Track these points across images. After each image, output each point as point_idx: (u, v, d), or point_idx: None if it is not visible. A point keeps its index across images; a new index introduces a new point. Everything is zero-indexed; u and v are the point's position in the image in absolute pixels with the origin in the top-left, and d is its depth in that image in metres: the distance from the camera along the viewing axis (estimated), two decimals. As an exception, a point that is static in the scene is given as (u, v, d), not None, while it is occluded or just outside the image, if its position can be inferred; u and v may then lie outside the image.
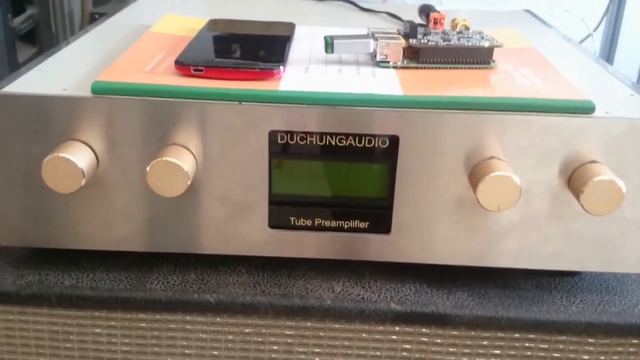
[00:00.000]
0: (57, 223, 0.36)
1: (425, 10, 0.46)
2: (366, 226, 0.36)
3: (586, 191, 0.32)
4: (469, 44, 0.38)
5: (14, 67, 0.90)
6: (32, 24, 0.97)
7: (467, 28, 0.42)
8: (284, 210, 0.35)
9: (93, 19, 1.04)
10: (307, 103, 0.34)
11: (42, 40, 1.00)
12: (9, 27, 0.87)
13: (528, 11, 0.58)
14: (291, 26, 0.45)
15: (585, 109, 0.33)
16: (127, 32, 0.46)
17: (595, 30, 0.68)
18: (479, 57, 0.38)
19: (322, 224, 0.36)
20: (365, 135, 0.34)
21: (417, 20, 0.51)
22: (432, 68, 0.39)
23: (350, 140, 0.34)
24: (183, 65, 0.35)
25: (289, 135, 0.34)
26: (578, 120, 0.33)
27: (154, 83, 0.34)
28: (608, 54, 1.02)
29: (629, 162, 0.34)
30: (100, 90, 0.33)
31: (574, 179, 0.33)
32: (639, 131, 0.33)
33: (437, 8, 0.52)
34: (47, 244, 0.36)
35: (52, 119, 0.33)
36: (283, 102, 0.34)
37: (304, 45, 0.43)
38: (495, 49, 0.39)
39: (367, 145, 0.34)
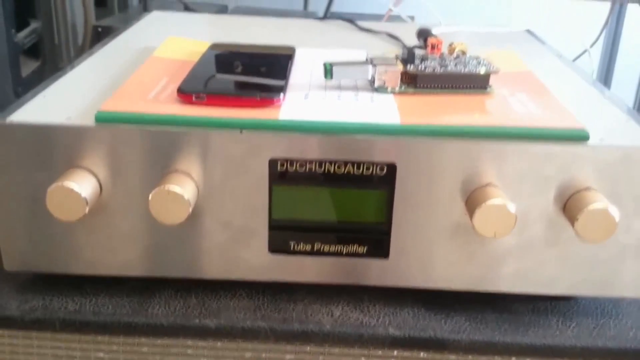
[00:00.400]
0: (60, 249, 0.36)
1: (423, 34, 0.46)
2: (365, 251, 0.36)
3: (580, 219, 0.32)
4: (466, 70, 0.39)
5: (18, 82, 0.90)
6: (36, 38, 0.98)
7: (464, 53, 0.42)
8: (283, 235, 0.36)
9: (96, 32, 1.05)
10: (307, 131, 0.34)
11: (45, 53, 1.01)
12: (13, 42, 0.88)
13: (528, 31, 0.59)
14: (291, 50, 0.46)
15: (579, 136, 0.34)
16: (130, 55, 0.47)
17: (592, 45, 0.69)
18: (475, 83, 0.39)
19: (322, 249, 0.36)
20: (364, 162, 0.34)
21: (415, 41, 0.51)
22: (429, 93, 0.39)
23: (349, 168, 0.35)
24: (185, 93, 0.36)
25: (288, 162, 0.35)
26: (572, 148, 0.33)
27: (157, 112, 0.35)
28: (608, 66, 1.03)
29: (623, 189, 0.34)
30: (104, 119, 0.34)
31: (569, 206, 0.34)
32: (633, 159, 0.34)
33: (436, 28, 0.53)
34: (50, 269, 0.37)
35: (57, 147, 0.34)
36: (283, 131, 0.34)
37: (304, 69, 0.44)
38: (494, 65, 0.40)
39: (365, 172, 0.35)
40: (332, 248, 0.36)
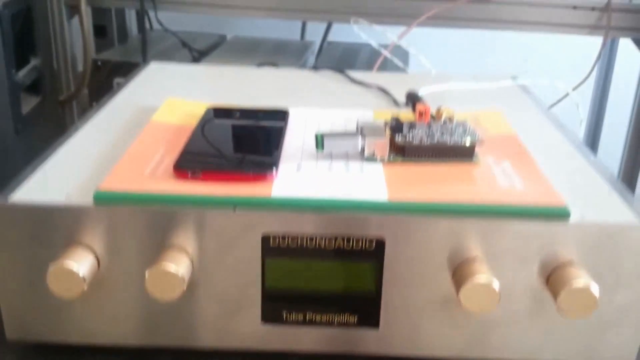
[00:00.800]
0: (60, 319, 0.37)
1: (412, 98, 0.48)
2: (356, 321, 0.37)
3: (562, 295, 0.34)
4: (452, 141, 0.40)
5: (18, 119, 0.92)
6: (36, 75, 0.99)
7: (451, 120, 0.43)
8: (276, 305, 0.37)
9: (96, 65, 1.06)
10: (298, 209, 0.35)
11: (45, 89, 1.02)
12: (13, 81, 0.89)
13: (521, 86, 0.59)
14: (285, 114, 0.47)
15: (561, 214, 0.35)
16: (129, 117, 0.48)
17: (576, 88, 0.70)
18: (461, 154, 0.40)
19: (314, 319, 0.37)
20: (354, 237, 0.36)
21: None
22: (417, 163, 0.40)
23: (340, 242, 0.36)
24: (181, 170, 0.37)
25: (280, 237, 0.36)
26: (554, 227, 0.35)
27: (154, 190, 0.36)
28: (600, 101, 1.04)
29: (604, 263, 0.35)
30: (102, 199, 0.35)
31: (552, 280, 0.35)
32: (612, 236, 0.35)
33: (425, 87, 0.54)
34: (51, 339, 0.38)
35: (56, 226, 0.35)
36: (275, 208, 0.35)
37: (297, 132, 0.45)
38: (479, 133, 0.41)
39: (355, 247, 0.36)
40: (324, 318, 0.37)
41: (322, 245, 0.36)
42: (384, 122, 0.43)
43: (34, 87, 1.00)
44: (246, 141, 0.43)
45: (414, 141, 0.40)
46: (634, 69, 0.95)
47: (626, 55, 1.01)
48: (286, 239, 0.36)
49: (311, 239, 0.36)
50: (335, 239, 0.36)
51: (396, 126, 0.42)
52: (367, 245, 0.36)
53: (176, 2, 1.00)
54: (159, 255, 0.35)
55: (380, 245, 0.36)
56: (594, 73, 1.00)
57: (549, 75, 1.31)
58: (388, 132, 0.42)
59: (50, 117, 1.04)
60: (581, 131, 0.61)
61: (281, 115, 0.47)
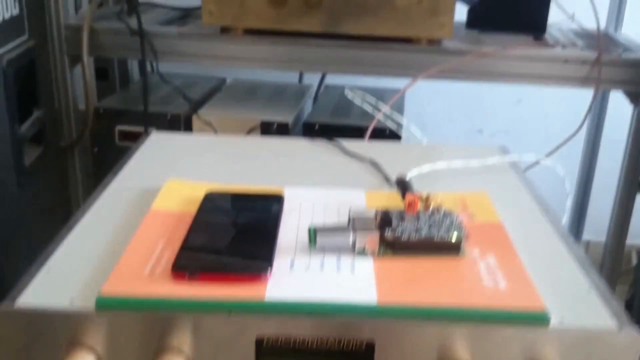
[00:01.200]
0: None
1: (402, 186, 0.49)
2: (347, 416, 0.39)
3: (543, 400, 0.35)
4: (439, 237, 0.42)
5: (21, 171, 0.93)
6: (39, 126, 1.01)
7: (438, 210, 0.45)
8: (271, 401, 0.39)
9: (98, 113, 1.09)
10: (291, 312, 0.37)
11: (48, 139, 1.04)
12: (17, 135, 0.91)
13: (513, 164, 0.60)
14: (280, 201, 0.49)
15: (541, 320, 0.37)
16: (131, 203, 0.50)
17: (548, 155, 0.71)
18: (448, 249, 0.42)
19: (306, 414, 0.39)
20: (344, 340, 0.37)
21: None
22: (406, 257, 0.42)
23: (331, 344, 0.38)
24: (178, 272, 0.39)
25: (274, 339, 0.37)
26: (535, 331, 0.36)
27: (152, 296, 0.38)
28: (591, 154, 1.06)
29: (583, 362, 0.37)
30: (104, 304, 0.37)
31: (534, 382, 0.37)
32: (590, 340, 0.37)
33: (418, 151, 0.56)
34: None
35: (60, 329, 0.37)
36: (269, 311, 0.37)
37: (292, 219, 0.47)
38: (466, 218, 0.43)
39: (345, 348, 0.38)
40: (317, 413, 0.39)
41: (314, 347, 0.37)
42: (374, 213, 0.45)
43: (36, 137, 1.02)
44: (241, 237, 0.44)
45: (403, 237, 0.42)
46: (625, 120, 0.97)
47: (618, 107, 1.03)
48: (279, 341, 0.37)
49: (303, 341, 0.37)
50: (327, 341, 0.37)
51: (385, 220, 0.43)
52: (357, 347, 0.37)
53: (176, 53, 1.02)
54: (157, 357, 0.37)
55: (370, 347, 0.37)
56: (585, 123, 1.01)
57: (544, 114, 1.32)
58: (379, 221, 0.43)
59: (53, 165, 1.06)
60: (568, 201, 0.62)
61: (276, 202, 0.48)
